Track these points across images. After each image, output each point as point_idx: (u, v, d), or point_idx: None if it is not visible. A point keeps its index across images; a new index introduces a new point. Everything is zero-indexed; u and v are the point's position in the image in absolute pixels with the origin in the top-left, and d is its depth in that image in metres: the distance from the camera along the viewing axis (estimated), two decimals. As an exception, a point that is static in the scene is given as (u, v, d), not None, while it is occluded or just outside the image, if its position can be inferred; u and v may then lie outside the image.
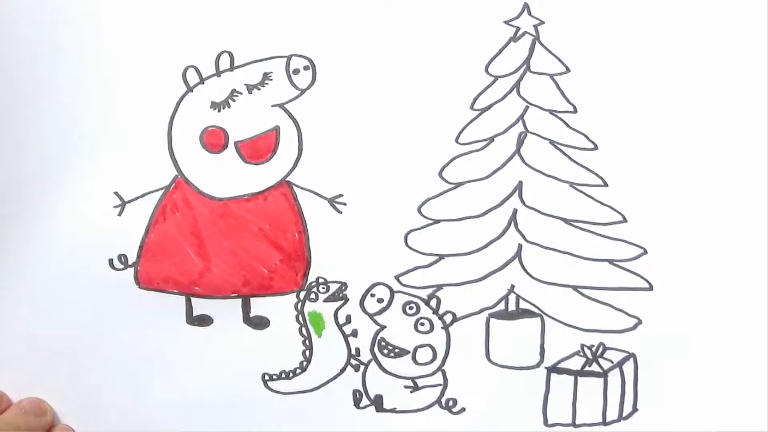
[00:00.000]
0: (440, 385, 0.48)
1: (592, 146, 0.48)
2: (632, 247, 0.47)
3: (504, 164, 0.48)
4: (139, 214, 0.48)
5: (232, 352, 0.47)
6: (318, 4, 0.49)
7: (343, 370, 0.47)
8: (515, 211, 0.48)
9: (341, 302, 0.48)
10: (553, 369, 0.48)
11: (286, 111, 0.49)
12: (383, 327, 0.48)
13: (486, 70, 0.48)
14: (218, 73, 0.49)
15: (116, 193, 0.48)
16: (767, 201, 0.46)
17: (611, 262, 0.47)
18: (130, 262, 0.48)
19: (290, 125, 0.49)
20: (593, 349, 0.48)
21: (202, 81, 0.49)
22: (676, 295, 0.47)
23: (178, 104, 0.49)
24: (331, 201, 0.48)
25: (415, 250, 0.48)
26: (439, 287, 0.48)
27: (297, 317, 0.48)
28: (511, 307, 0.48)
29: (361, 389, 0.47)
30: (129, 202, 0.48)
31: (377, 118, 0.48)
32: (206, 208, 0.48)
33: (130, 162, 0.49)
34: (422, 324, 0.48)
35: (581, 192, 0.47)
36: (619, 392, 0.48)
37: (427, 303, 0.48)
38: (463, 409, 0.47)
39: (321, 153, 0.48)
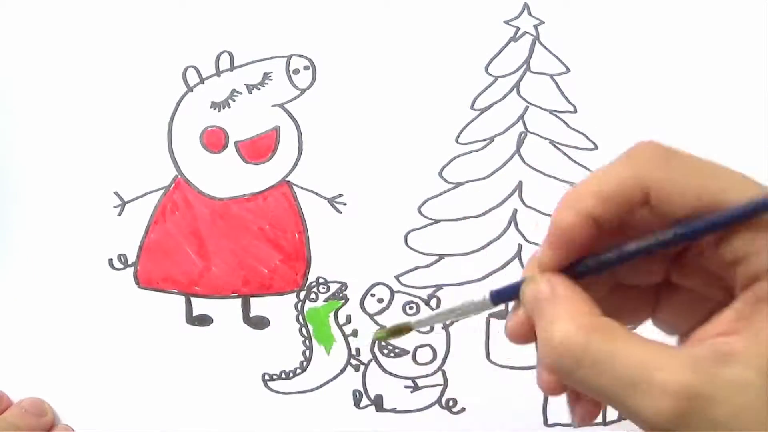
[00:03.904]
0: (440, 385, 0.48)
1: (592, 146, 0.48)
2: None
3: (504, 164, 0.48)
4: (139, 214, 0.48)
5: (232, 352, 0.47)
6: (318, 4, 0.49)
7: (343, 370, 0.47)
8: (515, 211, 0.48)
9: (341, 302, 0.48)
10: (553, 369, 0.48)
11: (286, 111, 0.49)
12: (383, 327, 0.48)
13: (486, 70, 0.48)
14: (218, 73, 0.49)
15: (116, 193, 0.48)
16: (767, 201, 0.46)
17: (611, 262, 0.47)
18: (129, 262, 0.48)
19: (290, 125, 0.49)
20: (593, 349, 0.48)
21: (202, 81, 0.49)
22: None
23: (178, 104, 0.49)
24: (331, 201, 0.48)
25: (415, 250, 0.48)
26: (439, 287, 0.48)
27: (297, 317, 0.48)
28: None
29: (361, 389, 0.47)
30: (129, 202, 0.48)
31: (377, 118, 0.48)
32: (206, 208, 0.48)
33: (130, 162, 0.49)
34: (422, 324, 0.48)
35: (581, 192, 0.47)
36: (619, 392, 0.48)
37: (427, 303, 0.48)
38: (463, 409, 0.47)
39: (321, 153, 0.48)
